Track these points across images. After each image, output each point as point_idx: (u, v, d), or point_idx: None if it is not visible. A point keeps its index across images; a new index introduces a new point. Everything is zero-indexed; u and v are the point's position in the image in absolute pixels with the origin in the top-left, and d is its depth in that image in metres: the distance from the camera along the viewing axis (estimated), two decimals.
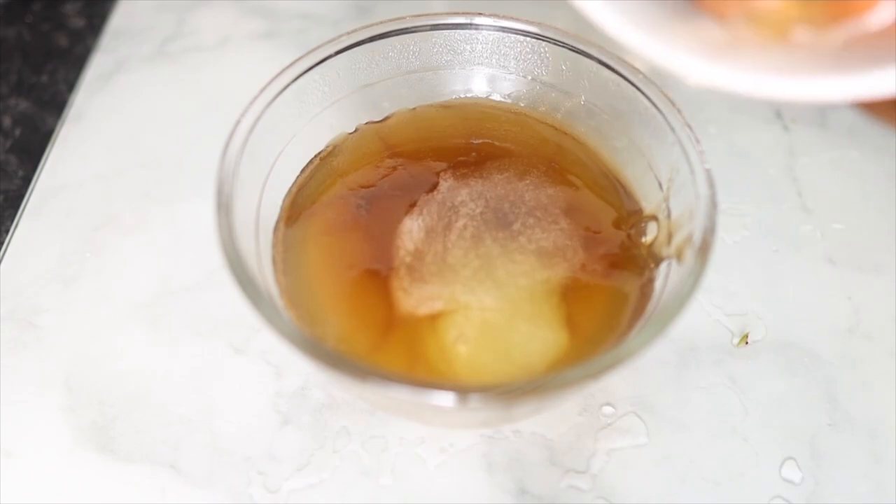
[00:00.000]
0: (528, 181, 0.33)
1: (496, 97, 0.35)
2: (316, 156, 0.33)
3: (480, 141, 0.34)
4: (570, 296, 0.30)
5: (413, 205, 0.32)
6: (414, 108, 0.35)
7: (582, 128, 0.34)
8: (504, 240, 0.30)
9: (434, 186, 0.32)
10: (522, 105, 0.35)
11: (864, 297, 0.37)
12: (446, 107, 0.35)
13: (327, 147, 0.34)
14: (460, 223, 0.31)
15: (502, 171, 0.33)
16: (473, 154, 0.34)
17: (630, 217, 0.32)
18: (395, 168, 0.33)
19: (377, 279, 0.30)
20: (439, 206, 0.31)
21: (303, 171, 0.33)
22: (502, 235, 0.31)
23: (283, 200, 0.32)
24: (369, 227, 0.31)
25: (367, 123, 0.35)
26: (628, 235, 0.31)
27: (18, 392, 0.33)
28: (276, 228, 0.31)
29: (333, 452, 0.31)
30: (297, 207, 0.32)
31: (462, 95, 0.35)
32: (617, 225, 0.32)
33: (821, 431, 0.32)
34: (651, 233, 0.31)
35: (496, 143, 0.34)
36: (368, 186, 0.33)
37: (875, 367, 0.34)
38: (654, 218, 0.31)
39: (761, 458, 0.32)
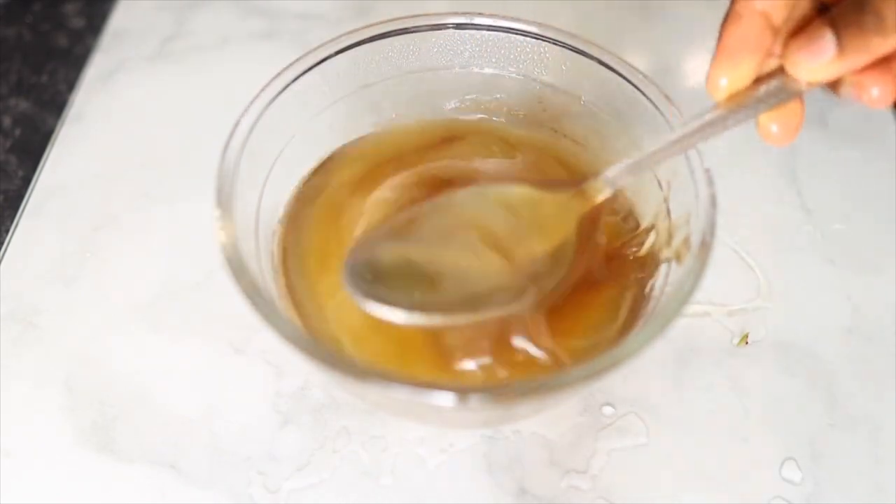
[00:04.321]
0: (527, 183, 0.32)
1: (496, 97, 0.35)
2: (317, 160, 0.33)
3: (479, 141, 0.34)
4: (571, 296, 0.30)
5: (413, 210, 0.31)
6: (415, 119, 0.35)
7: (582, 128, 0.34)
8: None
9: (434, 190, 0.32)
10: (521, 112, 0.35)
11: (864, 297, 0.37)
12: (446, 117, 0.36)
13: (328, 151, 0.34)
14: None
15: (500, 176, 0.33)
16: (473, 158, 0.34)
17: (630, 219, 0.32)
18: (395, 171, 0.33)
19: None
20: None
21: (303, 171, 0.33)
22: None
23: (284, 200, 0.32)
24: (370, 228, 0.31)
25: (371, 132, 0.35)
26: (629, 236, 0.31)
27: (18, 392, 0.33)
28: (275, 228, 0.31)
29: (333, 452, 0.31)
30: (297, 207, 0.32)
31: (462, 96, 0.35)
32: (618, 226, 0.32)
33: (821, 431, 0.32)
34: (650, 240, 0.31)
35: (494, 147, 0.34)
36: (369, 188, 0.33)
37: (875, 367, 0.34)
38: (653, 228, 0.31)
39: (761, 458, 0.32)
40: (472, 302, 0.27)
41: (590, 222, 0.29)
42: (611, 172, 0.28)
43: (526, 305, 0.28)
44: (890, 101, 0.23)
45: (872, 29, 0.21)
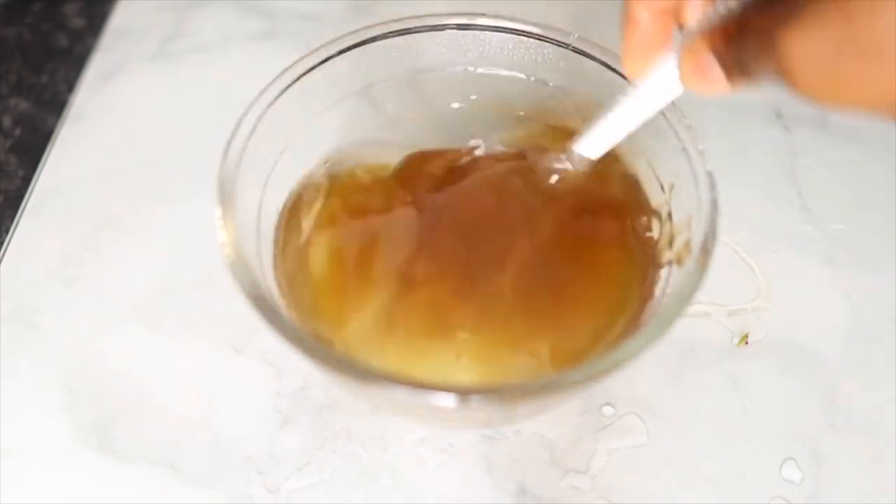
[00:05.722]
0: (532, 185, 0.32)
1: (497, 99, 0.35)
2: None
3: (483, 148, 0.34)
4: (571, 297, 0.30)
5: (415, 212, 0.31)
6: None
7: (583, 128, 0.34)
8: (508, 245, 0.30)
9: (438, 191, 0.32)
10: (521, 112, 0.35)
11: (864, 297, 0.37)
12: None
13: (329, 151, 0.34)
14: (465, 228, 0.30)
15: (507, 176, 0.33)
16: (476, 162, 0.34)
17: (635, 213, 0.32)
18: (398, 174, 0.33)
19: (378, 281, 0.30)
20: (442, 215, 0.31)
21: (305, 171, 0.33)
22: (507, 240, 0.30)
23: (285, 200, 0.32)
24: (372, 231, 0.31)
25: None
26: (633, 228, 0.31)
27: (18, 392, 0.33)
28: (276, 228, 0.31)
29: (333, 452, 0.31)
30: (298, 207, 0.32)
31: (464, 96, 0.35)
32: (621, 222, 0.32)
33: (821, 431, 0.32)
34: (655, 230, 0.31)
35: (500, 149, 0.34)
36: (372, 189, 0.33)
37: (875, 367, 0.34)
38: (657, 214, 0.31)
39: (761, 458, 0.32)
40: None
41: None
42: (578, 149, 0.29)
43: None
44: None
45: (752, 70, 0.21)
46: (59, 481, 0.31)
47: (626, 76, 0.26)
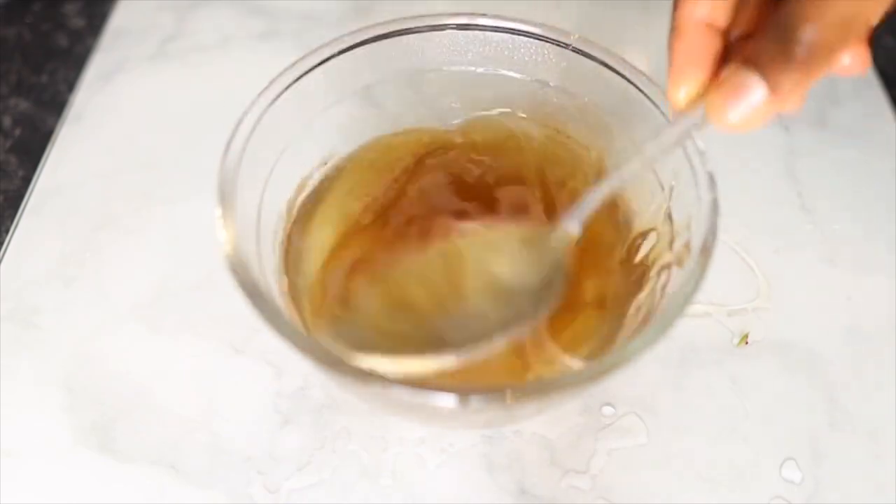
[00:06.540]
0: (530, 190, 0.32)
1: (497, 99, 0.35)
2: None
3: (482, 157, 0.35)
4: (571, 298, 0.30)
5: (415, 218, 0.31)
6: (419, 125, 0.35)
7: (583, 129, 0.34)
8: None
9: (436, 198, 0.32)
10: (522, 113, 0.35)
11: (864, 297, 0.37)
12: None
13: (330, 151, 0.34)
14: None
15: (504, 184, 0.33)
16: (477, 169, 0.34)
17: (632, 223, 0.32)
18: (399, 174, 0.33)
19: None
20: (440, 221, 0.31)
21: (305, 171, 0.33)
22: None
23: (285, 200, 0.32)
24: (372, 231, 0.31)
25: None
26: (633, 241, 0.31)
27: (18, 392, 0.33)
28: (276, 228, 0.31)
29: (333, 452, 0.31)
30: (298, 207, 0.32)
31: (464, 96, 0.35)
32: (619, 229, 0.32)
33: (821, 431, 0.32)
34: (650, 241, 0.31)
35: (498, 159, 0.34)
36: (372, 191, 0.33)
37: (875, 367, 0.34)
38: (654, 230, 0.31)
39: (761, 458, 0.32)
40: (471, 339, 0.25)
41: (570, 254, 0.27)
42: (578, 212, 0.26)
43: (524, 332, 0.26)
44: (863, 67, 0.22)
45: (803, 59, 0.19)
46: (59, 481, 0.31)
47: (672, 99, 0.24)
